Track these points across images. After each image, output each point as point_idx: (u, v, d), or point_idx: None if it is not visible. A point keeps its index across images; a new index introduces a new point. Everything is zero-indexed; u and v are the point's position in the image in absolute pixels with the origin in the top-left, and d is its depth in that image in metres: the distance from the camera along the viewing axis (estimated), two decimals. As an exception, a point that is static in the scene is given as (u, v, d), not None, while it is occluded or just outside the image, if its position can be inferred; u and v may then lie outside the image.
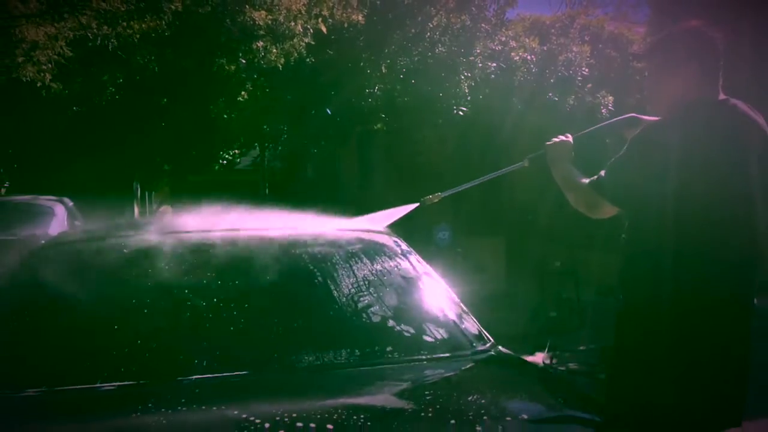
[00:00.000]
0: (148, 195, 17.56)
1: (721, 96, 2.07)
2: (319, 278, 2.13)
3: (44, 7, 7.23)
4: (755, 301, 2.04)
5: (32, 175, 13.63)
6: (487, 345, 2.05)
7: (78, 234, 2.56)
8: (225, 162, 17.55)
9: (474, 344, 2.04)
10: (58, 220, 7.68)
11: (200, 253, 2.16)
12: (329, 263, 2.21)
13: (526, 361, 2.06)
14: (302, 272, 2.15)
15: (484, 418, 1.60)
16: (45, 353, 1.81)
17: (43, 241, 2.42)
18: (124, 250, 2.16)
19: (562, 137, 2.37)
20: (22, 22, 7.58)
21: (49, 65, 7.96)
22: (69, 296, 1.94)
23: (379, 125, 10.09)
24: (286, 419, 1.44)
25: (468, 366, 1.96)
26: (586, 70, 10.14)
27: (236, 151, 17.31)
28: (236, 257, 2.13)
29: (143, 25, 6.83)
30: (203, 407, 1.61)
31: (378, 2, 8.96)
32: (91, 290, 2.00)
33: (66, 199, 8.36)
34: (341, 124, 9.81)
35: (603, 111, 10.01)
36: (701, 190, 1.92)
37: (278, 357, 1.87)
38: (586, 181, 2.15)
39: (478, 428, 1.50)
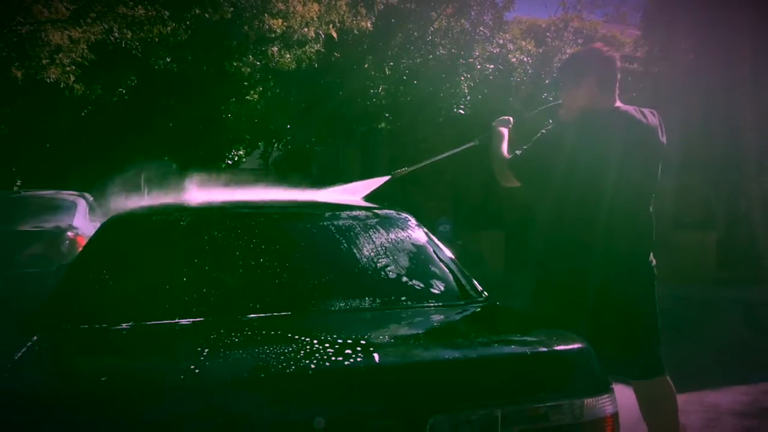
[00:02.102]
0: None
1: (617, 104, 2.62)
2: (347, 243, 2.60)
3: (71, 13, 7.66)
4: (653, 263, 2.59)
5: (41, 173, 14.02)
6: (484, 297, 2.52)
7: (150, 206, 3.05)
8: (230, 162, 17.97)
9: (473, 296, 2.51)
10: (81, 212, 8.00)
11: (253, 224, 2.67)
12: (354, 232, 2.67)
13: (515, 309, 2.53)
14: (334, 239, 2.62)
15: (484, 344, 2.05)
16: (134, 296, 2.28)
17: (123, 211, 2.90)
18: (192, 219, 2.66)
19: (504, 117, 3.03)
20: (48, 26, 8.00)
21: (72, 67, 8.38)
22: (151, 253, 2.43)
23: (382, 124, 10.51)
24: (321, 345, 1.86)
25: (469, 311, 2.43)
26: (580, 71, 10.55)
27: (241, 151, 17.72)
28: (281, 227, 2.64)
29: (163, 30, 7.25)
30: (257, 337, 2.07)
31: (382, 8, 9.40)
32: (168, 249, 2.49)
33: (86, 194, 8.74)
34: (347, 122, 10.25)
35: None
36: (594, 178, 2.49)
37: (315, 302, 2.34)
38: (507, 156, 2.77)
39: (476, 343, 1.98)
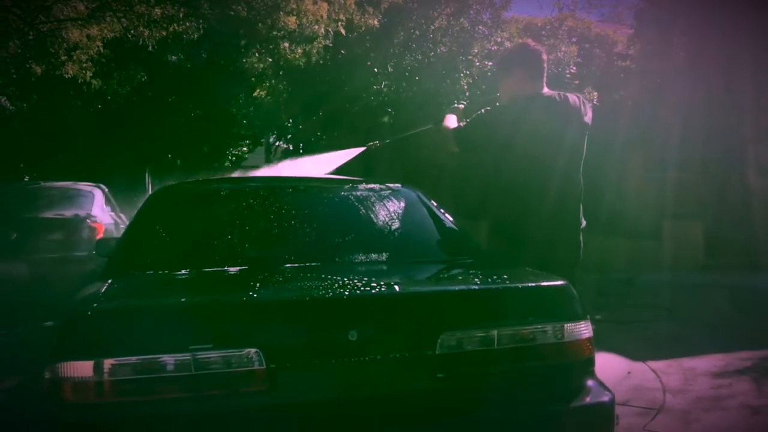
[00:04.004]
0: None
1: (544, 90, 3.06)
2: (366, 211, 3.03)
3: (90, 12, 8.06)
4: (583, 225, 3.00)
5: (47, 169, 14.39)
6: (482, 252, 2.95)
7: (190, 180, 3.48)
8: (234, 159, 18.31)
9: (471, 253, 2.93)
10: (98, 202, 8.39)
11: (283, 194, 3.11)
12: (371, 201, 3.10)
13: (506, 266, 2.95)
14: (355, 207, 3.05)
15: (483, 281, 2.46)
16: (188, 250, 2.71)
17: (168, 183, 3.33)
18: (230, 190, 3.10)
19: (457, 105, 3.51)
20: (67, 24, 8.39)
21: (89, 63, 8.77)
22: (197, 216, 2.86)
23: (385, 119, 10.87)
24: (351, 281, 2.24)
25: (470, 261, 2.86)
26: (574, 68, 10.95)
27: (245, 149, 18.06)
28: (309, 196, 3.10)
29: (178, 28, 7.64)
30: (297, 277, 2.49)
31: (385, 7, 9.80)
32: (212, 213, 2.92)
33: (102, 185, 9.14)
34: (350, 117, 10.62)
35: (590, 105, 10.82)
36: (520, 153, 2.94)
37: (339, 255, 2.76)
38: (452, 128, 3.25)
39: (476, 280, 2.40)
